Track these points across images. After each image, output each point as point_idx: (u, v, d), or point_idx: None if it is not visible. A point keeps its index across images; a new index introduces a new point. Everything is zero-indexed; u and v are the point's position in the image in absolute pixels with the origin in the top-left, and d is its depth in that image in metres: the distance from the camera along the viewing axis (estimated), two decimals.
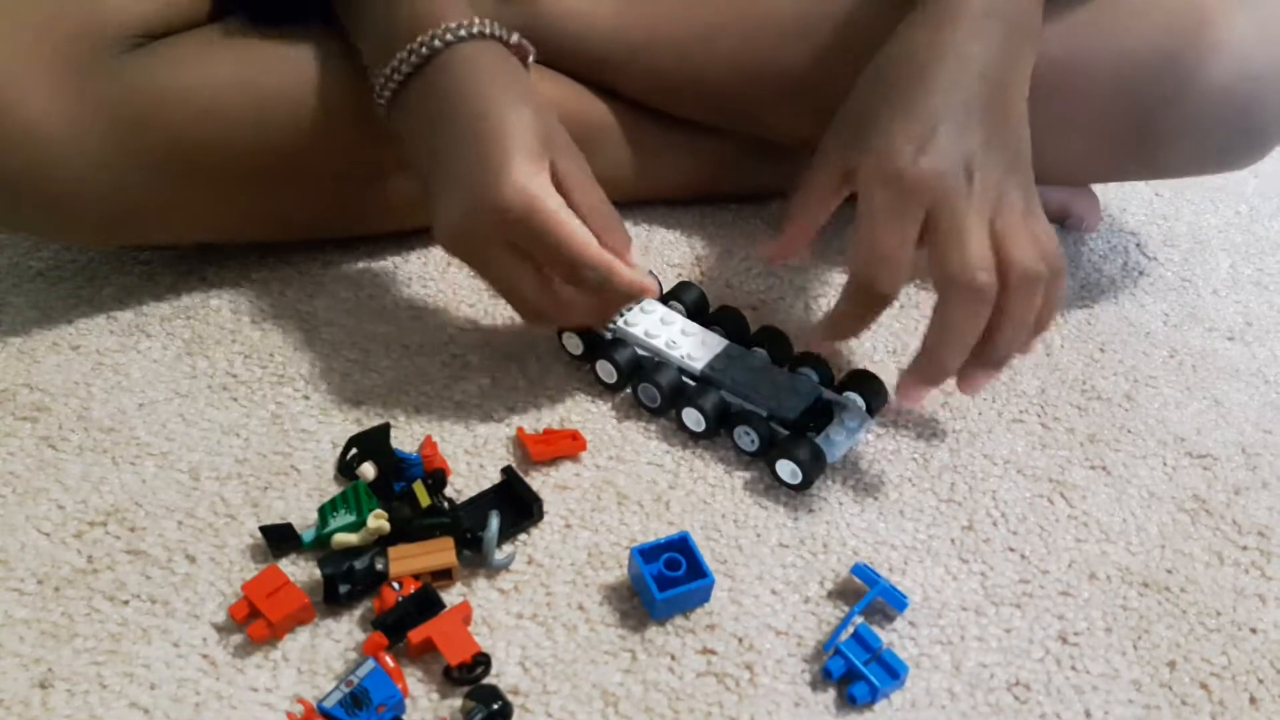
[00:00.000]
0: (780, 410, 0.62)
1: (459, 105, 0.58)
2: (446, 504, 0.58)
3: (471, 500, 0.59)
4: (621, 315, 0.67)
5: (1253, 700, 0.53)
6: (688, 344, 0.66)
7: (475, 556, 0.55)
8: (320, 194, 0.70)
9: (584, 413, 0.66)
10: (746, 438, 0.63)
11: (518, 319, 0.72)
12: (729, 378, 0.64)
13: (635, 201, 0.84)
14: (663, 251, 0.81)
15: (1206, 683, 0.54)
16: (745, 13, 0.75)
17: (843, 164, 0.58)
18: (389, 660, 0.49)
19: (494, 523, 0.55)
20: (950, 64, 0.56)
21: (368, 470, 0.59)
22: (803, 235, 0.62)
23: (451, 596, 0.55)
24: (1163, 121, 0.67)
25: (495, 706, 0.48)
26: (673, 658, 0.53)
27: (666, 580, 0.54)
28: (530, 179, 0.55)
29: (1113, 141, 0.70)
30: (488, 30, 0.60)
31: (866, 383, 0.65)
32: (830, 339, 0.60)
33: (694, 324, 0.68)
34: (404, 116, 0.61)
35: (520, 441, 0.62)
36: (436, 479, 0.58)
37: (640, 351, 0.66)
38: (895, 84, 0.57)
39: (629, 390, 0.67)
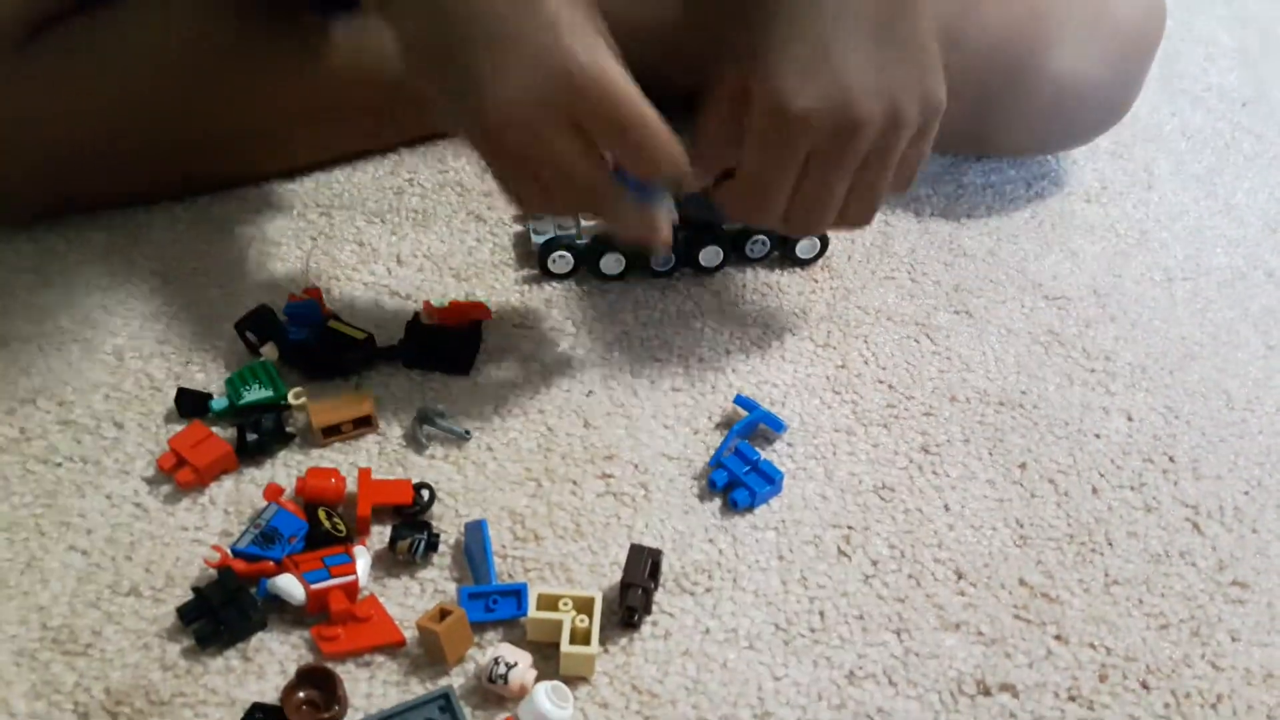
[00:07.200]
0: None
1: None
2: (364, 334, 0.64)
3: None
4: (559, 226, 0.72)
5: (1095, 490, 0.60)
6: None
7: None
8: (224, 151, 0.75)
9: (488, 288, 0.70)
10: (759, 245, 0.72)
11: (422, 209, 0.76)
12: (708, 213, 0.66)
13: None
14: None
15: (1054, 479, 0.60)
16: None
17: (735, 90, 0.55)
18: (289, 503, 0.54)
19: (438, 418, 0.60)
20: None
21: (271, 351, 0.63)
22: (712, 164, 0.58)
23: (369, 443, 0.59)
24: (1000, 110, 0.76)
25: (428, 532, 0.53)
26: (575, 483, 0.58)
27: None
28: (596, 45, 0.49)
29: (955, 121, 0.64)
30: None
31: None
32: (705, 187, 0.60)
33: None
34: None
35: (428, 313, 0.67)
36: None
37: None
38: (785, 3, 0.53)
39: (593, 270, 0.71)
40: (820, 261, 0.74)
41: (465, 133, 0.52)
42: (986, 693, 0.50)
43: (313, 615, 0.50)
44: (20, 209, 0.72)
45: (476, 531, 0.54)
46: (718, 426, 0.62)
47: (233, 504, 0.55)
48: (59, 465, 0.57)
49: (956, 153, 0.85)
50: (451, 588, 0.52)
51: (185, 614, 0.49)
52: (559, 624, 0.49)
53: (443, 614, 0.48)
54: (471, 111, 0.50)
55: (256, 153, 0.77)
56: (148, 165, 0.72)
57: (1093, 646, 0.52)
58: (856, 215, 0.58)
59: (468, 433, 0.60)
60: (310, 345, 0.62)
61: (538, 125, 0.49)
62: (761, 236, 0.72)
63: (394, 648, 0.50)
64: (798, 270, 0.74)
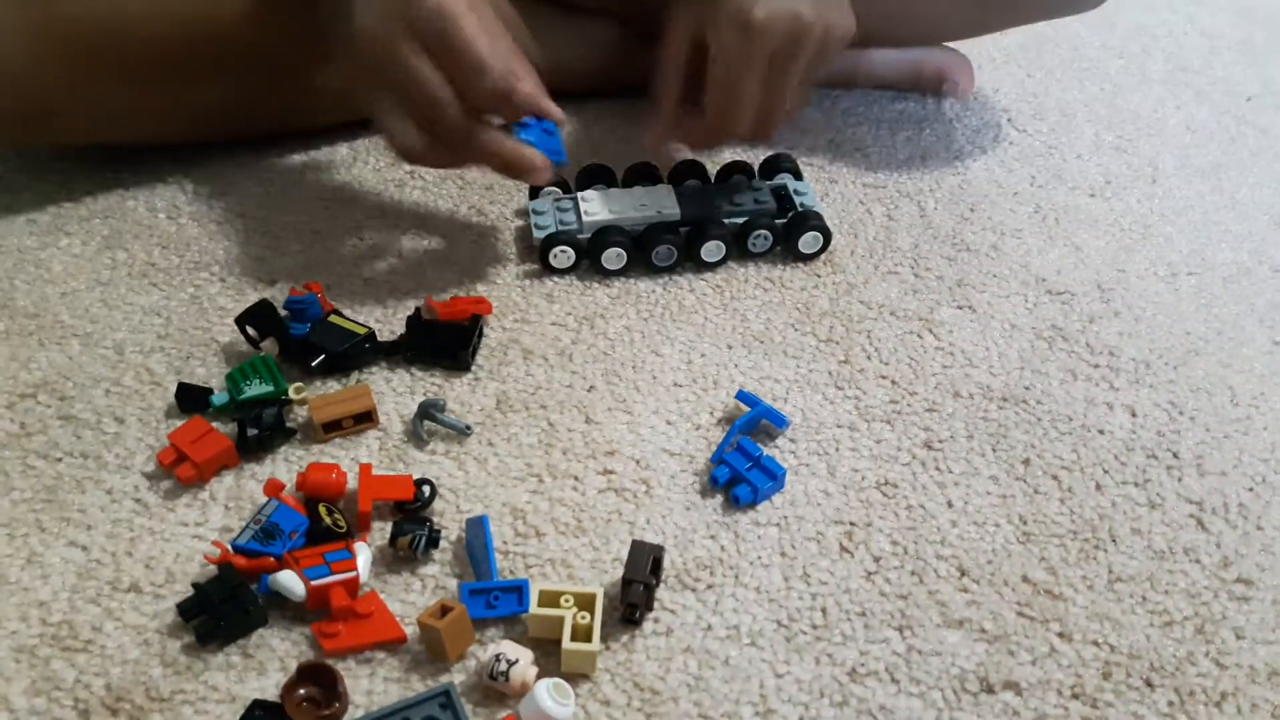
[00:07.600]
0: (767, 206, 0.74)
1: None
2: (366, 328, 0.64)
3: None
4: (566, 211, 0.73)
5: (1098, 487, 0.59)
6: (651, 201, 0.73)
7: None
8: (226, 88, 0.73)
9: (489, 284, 0.70)
10: (761, 240, 0.73)
11: (423, 204, 0.76)
12: (710, 208, 0.73)
13: None
14: (566, 143, 0.85)
15: (1057, 475, 0.60)
16: None
17: (695, 27, 0.67)
18: (289, 499, 0.54)
19: (438, 413, 0.60)
20: None
21: (271, 346, 0.63)
22: (672, 106, 0.70)
23: (369, 439, 0.59)
24: None
25: (429, 528, 0.53)
26: (576, 479, 0.58)
27: None
28: None
29: None
30: None
31: (777, 162, 0.79)
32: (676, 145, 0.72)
33: (635, 189, 0.75)
34: None
35: (429, 308, 0.67)
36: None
37: (628, 228, 0.71)
38: None
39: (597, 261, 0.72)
40: (822, 256, 0.74)
41: (345, 63, 0.61)
42: (990, 690, 0.50)
43: (313, 611, 0.50)
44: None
45: (478, 527, 0.53)
46: (720, 422, 0.62)
47: (233, 499, 0.55)
48: (59, 460, 0.57)
49: (995, 26, 0.89)
50: (452, 584, 0.52)
51: (185, 610, 0.49)
52: (560, 621, 0.48)
53: (444, 610, 0.48)
54: (347, 37, 0.59)
55: (283, 92, 0.77)
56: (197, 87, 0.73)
57: (1096, 644, 0.52)
58: (793, 107, 0.69)
59: (469, 428, 0.59)
60: (311, 340, 0.62)
61: (390, 43, 0.58)
62: (763, 231, 0.72)
63: (395, 644, 0.49)
64: (800, 265, 0.73)
